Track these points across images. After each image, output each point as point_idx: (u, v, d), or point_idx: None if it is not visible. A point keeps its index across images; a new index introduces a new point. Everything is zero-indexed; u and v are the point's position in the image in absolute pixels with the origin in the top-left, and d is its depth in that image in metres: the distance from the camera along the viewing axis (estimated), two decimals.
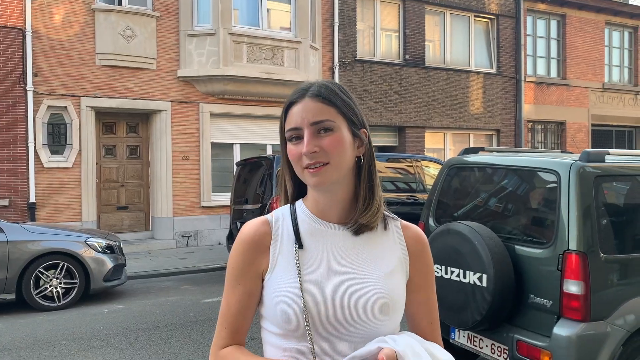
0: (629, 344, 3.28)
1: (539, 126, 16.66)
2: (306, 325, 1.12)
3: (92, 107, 10.76)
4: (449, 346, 3.89)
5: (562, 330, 3.21)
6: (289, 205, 1.25)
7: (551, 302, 3.32)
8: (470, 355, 4.34)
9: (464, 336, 3.81)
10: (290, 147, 1.18)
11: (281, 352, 1.16)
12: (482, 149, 4.65)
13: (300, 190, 1.26)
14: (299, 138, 1.16)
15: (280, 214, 1.24)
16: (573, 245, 3.26)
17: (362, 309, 1.14)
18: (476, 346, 3.73)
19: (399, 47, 14.29)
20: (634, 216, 3.76)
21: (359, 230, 1.20)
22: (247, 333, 1.25)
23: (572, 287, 3.22)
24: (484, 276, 3.44)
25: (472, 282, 3.49)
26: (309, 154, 1.14)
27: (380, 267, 1.20)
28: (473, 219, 3.91)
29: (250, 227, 1.23)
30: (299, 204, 1.25)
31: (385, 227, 1.25)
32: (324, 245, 1.19)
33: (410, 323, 1.30)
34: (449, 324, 3.75)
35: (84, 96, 10.64)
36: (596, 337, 3.18)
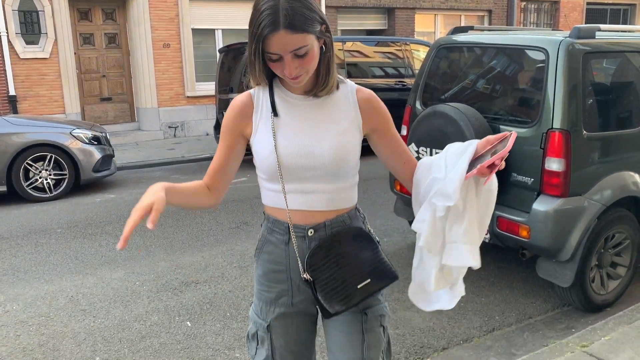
0: (603, 217, 3.42)
1: (532, 6, 16.10)
2: (279, 172, 1.49)
3: None
4: None
5: (541, 205, 3.33)
6: (267, 83, 1.53)
7: (532, 179, 3.40)
8: None
9: None
10: (271, 63, 1.42)
11: (267, 191, 1.56)
12: (472, 28, 4.50)
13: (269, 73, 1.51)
14: (280, 60, 1.40)
15: (260, 90, 1.56)
16: (557, 124, 3.28)
17: (320, 157, 1.48)
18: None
19: None
20: (621, 94, 3.76)
21: (319, 96, 1.52)
22: (224, 187, 1.63)
23: (554, 164, 3.28)
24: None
25: None
26: (292, 75, 1.41)
27: (336, 126, 1.51)
28: (460, 101, 3.89)
29: (237, 99, 1.57)
30: (275, 81, 1.54)
31: (341, 94, 1.54)
32: (293, 113, 1.51)
33: (394, 159, 1.61)
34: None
35: None
36: (573, 211, 3.31)
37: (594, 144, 3.41)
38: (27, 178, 6.76)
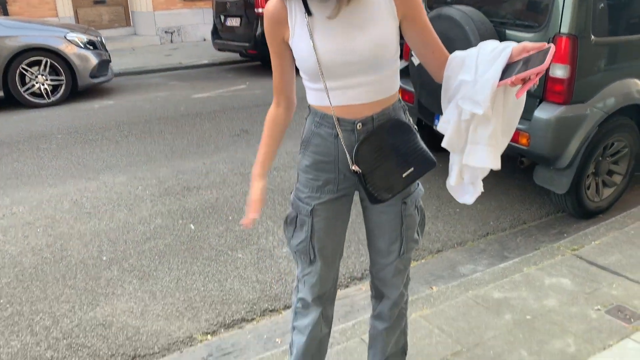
0: (604, 125, 3.41)
1: None
2: (319, 71, 1.50)
3: None
4: (432, 133, 4.04)
5: (543, 113, 3.31)
6: None
7: (535, 86, 3.35)
8: None
9: None
10: None
11: (311, 91, 1.60)
12: None
13: None
14: None
15: None
16: (565, 29, 3.18)
17: (359, 51, 1.48)
18: None
19: None
20: None
21: None
22: (293, 91, 1.69)
23: (558, 71, 3.22)
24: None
25: None
26: None
27: (370, 18, 1.49)
28: (466, 4, 3.75)
29: (269, 6, 1.55)
30: None
31: None
32: (327, 10, 1.48)
33: (425, 49, 1.61)
34: (433, 110, 3.84)
35: None
36: (574, 119, 3.29)
37: (601, 49, 3.32)
38: (23, 83, 6.67)
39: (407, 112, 1.70)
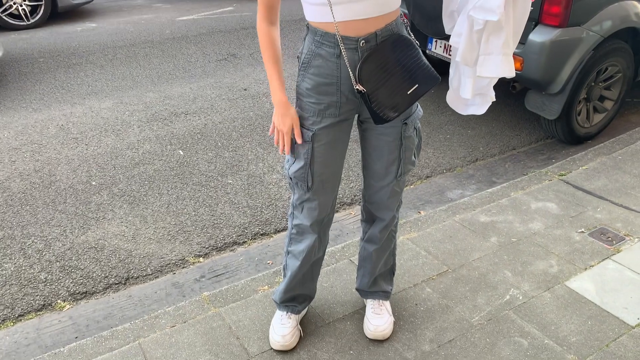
0: (599, 48, 3.35)
1: None
2: None
3: None
4: (425, 56, 3.96)
5: (537, 36, 3.23)
6: None
7: (531, 8, 3.25)
8: (446, 65, 4.47)
9: (440, 46, 3.84)
10: None
11: (311, 6, 1.51)
12: None
13: None
14: None
15: None
16: None
17: None
18: (452, 56, 3.79)
19: None
20: None
21: None
22: (278, 12, 1.60)
23: None
24: None
25: None
26: None
27: None
28: None
29: None
30: None
31: None
32: None
33: None
34: (427, 33, 3.74)
35: None
36: (570, 42, 3.23)
37: None
38: (0, 4, 6.38)
39: (408, 27, 1.66)
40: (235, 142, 3.75)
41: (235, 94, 4.56)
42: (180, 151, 3.63)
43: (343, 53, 1.51)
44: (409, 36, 1.60)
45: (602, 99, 3.71)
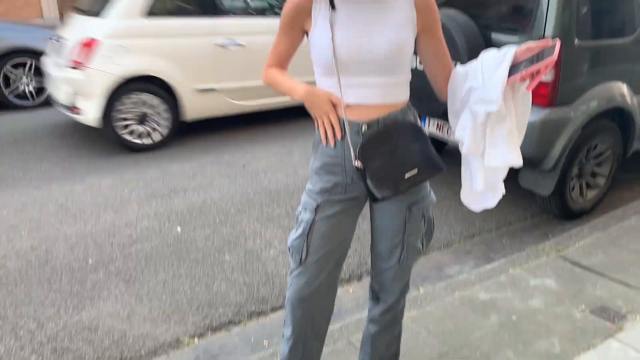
0: (588, 127, 3.46)
1: None
2: (335, 65, 1.54)
3: None
4: None
5: None
6: None
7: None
8: (440, 144, 4.57)
9: (433, 124, 3.96)
10: None
11: (322, 86, 1.61)
12: None
13: None
14: None
15: None
16: (549, 32, 3.22)
17: (377, 50, 1.53)
18: (445, 134, 3.90)
19: None
20: (616, 2, 3.66)
21: None
22: (289, 63, 1.75)
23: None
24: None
25: None
26: None
27: (392, 20, 1.55)
28: (452, 7, 3.78)
29: None
30: None
31: None
32: (351, 7, 1.54)
33: (435, 63, 1.67)
34: (420, 112, 3.85)
35: None
36: (559, 121, 3.33)
37: (584, 53, 3.37)
38: (7, 85, 6.60)
39: (417, 117, 1.71)
40: (233, 218, 3.77)
41: (234, 170, 4.63)
42: (178, 228, 3.64)
43: (347, 135, 1.59)
44: (415, 123, 1.66)
45: (594, 175, 3.78)
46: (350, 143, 1.59)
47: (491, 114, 1.53)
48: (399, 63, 1.56)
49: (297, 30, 1.63)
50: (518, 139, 1.59)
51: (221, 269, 3.16)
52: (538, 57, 1.43)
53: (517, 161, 1.56)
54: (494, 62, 1.52)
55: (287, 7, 1.61)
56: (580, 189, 3.73)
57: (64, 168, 4.71)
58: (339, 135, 1.60)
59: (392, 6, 1.55)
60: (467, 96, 1.59)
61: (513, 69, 1.47)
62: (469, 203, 1.75)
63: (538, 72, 1.42)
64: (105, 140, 5.45)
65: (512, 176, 4.34)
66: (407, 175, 1.57)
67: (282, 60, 1.73)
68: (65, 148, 5.23)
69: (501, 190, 1.68)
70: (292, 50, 1.71)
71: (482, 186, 1.65)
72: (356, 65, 1.53)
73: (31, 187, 4.31)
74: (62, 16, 10.56)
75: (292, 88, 1.66)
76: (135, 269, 3.15)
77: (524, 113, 1.60)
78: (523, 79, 1.46)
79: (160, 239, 3.49)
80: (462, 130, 1.62)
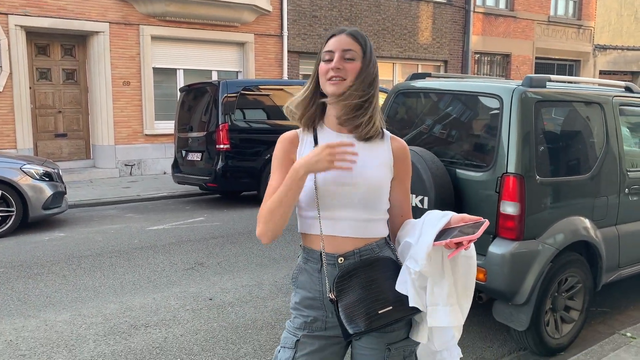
0: (556, 260, 3.48)
1: (486, 58, 16.83)
2: (316, 198, 1.61)
3: (21, 26, 10.02)
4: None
5: (497, 248, 3.37)
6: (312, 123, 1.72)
7: (488, 224, 3.44)
8: None
9: None
10: (322, 65, 1.65)
11: (304, 219, 1.69)
12: (429, 75, 4.64)
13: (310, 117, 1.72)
14: (330, 60, 1.63)
15: (304, 131, 1.74)
16: (511, 169, 3.36)
17: (356, 187, 1.61)
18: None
19: None
20: (570, 142, 3.89)
21: (363, 138, 1.67)
22: None
23: (509, 208, 3.35)
24: (426, 199, 3.53)
25: (414, 205, 3.58)
26: (335, 69, 1.61)
27: (373, 161, 1.66)
28: (418, 145, 3.95)
29: (285, 134, 1.75)
30: (319, 124, 1.73)
31: (382, 137, 1.72)
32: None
33: (396, 209, 1.75)
34: None
35: (12, 14, 9.87)
36: (528, 254, 3.36)
37: (546, 188, 3.50)
38: None
39: (397, 253, 1.72)
40: (196, 358, 3.53)
41: (200, 303, 4.44)
42: None
43: (324, 267, 1.60)
44: (395, 260, 1.68)
45: (567, 309, 3.74)
46: (326, 275, 1.60)
47: (420, 272, 1.55)
48: (377, 200, 1.64)
49: (288, 165, 1.67)
50: (463, 300, 1.61)
51: None
52: (468, 228, 1.52)
53: (459, 322, 1.58)
54: (433, 223, 1.59)
55: (277, 147, 1.73)
56: (556, 323, 3.67)
57: (17, 302, 4.45)
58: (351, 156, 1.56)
59: (372, 147, 1.67)
60: (404, 249, 1.66)
61: (446, 232, 1.55)
62: None
63: (461, 243, 1.48)
64: (68, 272, 5.23)
65: (486, 309, 4.27)
66: (380, 311, 1.55)
67: None
68: (22, 280, 4.98)
69: (457, 354, 1.68)
70: None
71: (435, 346, 1.65)
72: (335, 198, 1.60)
73: None
74: (36, 147, 10.69)
75: (290, 177, 1.57)
76: None
77: (467, 275, 1.62)
78: (448, 246, 1.51)
79: None
80: (402, 284, 1.62)
